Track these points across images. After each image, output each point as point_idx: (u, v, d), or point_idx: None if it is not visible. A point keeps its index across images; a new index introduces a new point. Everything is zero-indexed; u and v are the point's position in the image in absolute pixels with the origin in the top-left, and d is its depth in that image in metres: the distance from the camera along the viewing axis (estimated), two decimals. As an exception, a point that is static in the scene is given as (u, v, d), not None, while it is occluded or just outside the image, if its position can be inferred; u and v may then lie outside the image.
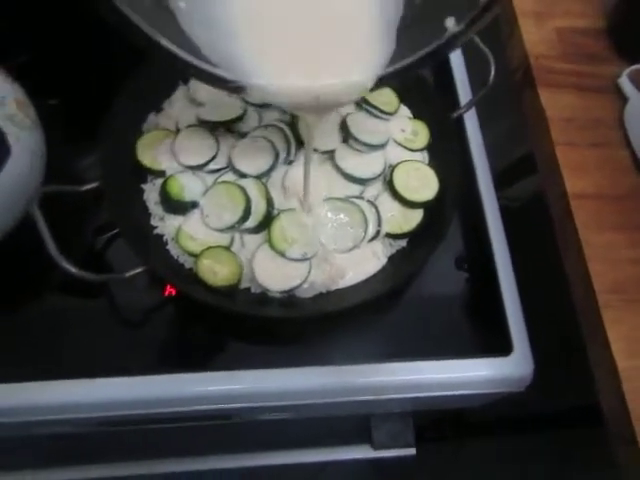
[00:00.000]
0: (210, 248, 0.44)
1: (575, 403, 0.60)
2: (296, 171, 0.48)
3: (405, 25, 0.32)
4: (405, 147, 0.51)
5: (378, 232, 0.47)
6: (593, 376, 0.42)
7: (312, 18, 0.31)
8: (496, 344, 0.48)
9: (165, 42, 0.30)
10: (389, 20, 0.32)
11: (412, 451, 0.61)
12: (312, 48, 0.32)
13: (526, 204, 0.63)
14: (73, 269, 0.39)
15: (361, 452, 0.60)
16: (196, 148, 0.48)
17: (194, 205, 0.46)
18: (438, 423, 0.69)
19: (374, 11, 0.31)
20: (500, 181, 0.56)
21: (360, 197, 0.49)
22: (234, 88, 0.32)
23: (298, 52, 0.31)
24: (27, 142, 0.43)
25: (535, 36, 0.51)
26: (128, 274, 0.42)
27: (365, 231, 0.47)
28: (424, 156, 0.53)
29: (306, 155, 0.42)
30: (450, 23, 0.31)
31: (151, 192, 0.48)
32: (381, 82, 0.33)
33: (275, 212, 0.47)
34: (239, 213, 0.45)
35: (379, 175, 0.49)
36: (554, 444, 0.65)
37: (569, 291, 0.46)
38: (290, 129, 0.50)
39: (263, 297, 0.45)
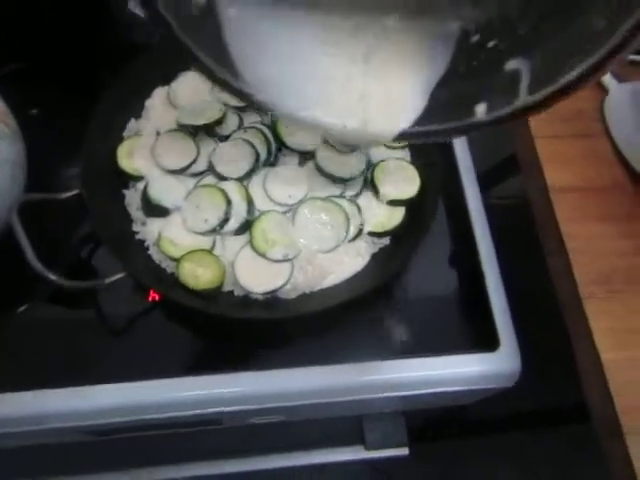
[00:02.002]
0: (192, 252, 0.44)
1: (566, 399, 0.59)
2: (276, 173, 0.48)
3: (441, 92, 0.31)
4: (386, 145, 0.51)
5: (360, 231, 0.47)
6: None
7: (363, 63, 0.31)
8: (483, 340, 0.47)
9: (204, 58, 0.30)
10: (428, 80, 0.31)
11: (405, 451, 0.60)
12: (351, 90, 0.31)
13: (512, 202, 0.63)
14: (52, 277, 0.39)
15: (354, 453, 0.60)
16: (176, 152, 0.48)
17: (175, 209, 0.46)
18: (432, 423, 0.69)
19: (419, 67, 0.31)
20: (486, 180, 0.55)
21: (341, 196, 0.49)
22: (258, 106, 0.32)
23: (337, 90, 0.31)
24: (7, 152, 0.43)
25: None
26: (108, 280, 0.42)
27: (347, 230, 0.47)
28: (405, 154, 0.52)
29: None
30: (480, 109, 0.29)
31: (132, 197, 0.48)
32: (400, 137, 0.32)
33: (256, 214, 0.47)
34: (220, 216, 0.45)
35: (360, 174, 0.49)
36: (549, 441, 0.65)
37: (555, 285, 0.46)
38: (270, 131, 0.50)
39: (246, 299, 0.45)
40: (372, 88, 0.31)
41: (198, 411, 0.46)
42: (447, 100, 0.31)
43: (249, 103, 0.32)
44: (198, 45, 0.29)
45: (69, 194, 0.45)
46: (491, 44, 0.29)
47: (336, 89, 0.31)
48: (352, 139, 0.34)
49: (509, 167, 0.61)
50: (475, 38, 0.29)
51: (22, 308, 0.48)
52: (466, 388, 0.48)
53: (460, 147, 0.56)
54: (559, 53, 0.27)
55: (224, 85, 0.31)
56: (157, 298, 0.47)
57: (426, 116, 0.31)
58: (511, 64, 0.28)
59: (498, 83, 0.29)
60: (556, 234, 0.43)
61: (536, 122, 0.47)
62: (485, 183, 0.55)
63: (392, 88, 0.31)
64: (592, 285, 0.41)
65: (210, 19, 0.29)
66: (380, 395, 0.48)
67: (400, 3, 0.29)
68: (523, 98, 0.28)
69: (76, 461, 0.59)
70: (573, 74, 0.26)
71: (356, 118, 0.31)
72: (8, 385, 0.43)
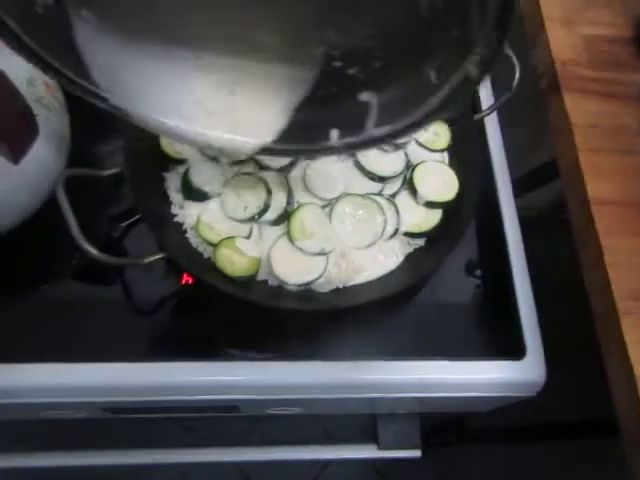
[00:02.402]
0: (229, 238, 0.45)
1: (587, 412, 0.59)
2: (317, 166, 0.48)
3: (301, 113, 0.32)
4: (426, 147, 0.51)
5: (396, 230, 0.47)
6: (608, 383, 0.42)
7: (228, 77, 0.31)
8: (509, 347, 0.47)
9: (50, 59, 0.28)
10: (289, 101, 0.32)
11: (417, 453, 0.61)
12: (213, 106, 0.31)
13: (542, 210, 0.63)
14: (94, 251, 0.39)
15: (367, 452, 0.60)
16: (218, 139, 0.48)
17: (214, 195, 0.47)
18: (444, 428, 0.69)
19: (282, 89, 0.32)
20: (519, 188, 0.56)
21: (380, 194, 0.49)
22: (113, 110, 0.31)
23: (198, 104, 0.31)
24: (54, 124, 0.43)
25: (562, 42, 0.51)
26: (147, 260, 0.42)
27: (383, 228, 0.47)
28: (444, 157, 0.53)
29: None
30: (334, 135, 0.32)
31: (172, 180, 0.48)
32: (261, 152, 0.33)
33: (295, 205, 0.47)
34: (259, 205, 0.45)
35: (400, 174, 0.49)
36: (562, 452, 0.65)
37: (585, 296, 0.46)
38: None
39: (279, 289, 0.45)
40: (235, 105, 0.32)
41: (216, 396, 0.46)
42: (306, 122, 0.32)
43: (103, 107, 0.30)
44: (43, 45, 0.27)
45: (111, 171, 0.45)
46: (351, 71, 0.30)
47: (197, 103, 0.31)
48: (213, 150, 0.34)
49: (542, 175, 0.62)
50: (337, 64, 0.30)
51: (52, 282, 0.49)
52: (487, 395, 0.48)
53: (496, 151, 0.56)
54: (402, 96, 0.30)
55: (73, 85, 0.29)
56: (190, 282, 0.47)
57: (287, 135, 0.32)
58: (364, 95, 0.30)
59: (350, 112, 0.31)
60: (595, 247, 0.43)
61: (579, 135, 0.47)
62: (519, 189, 0.55)
63: (255, 107, 0.32)
64: (628, 300, 0.41)
65: (58, 18, 0.27)
66: (399, 395, 0.48)
67: (267, 30, 0.29)
68: (369, 131, 0.31)
69: (88, 438, 0.60)
70: (405, 121, 0.30)
71: (218, 131, 0.32)
72: (34, 356, 0.43)
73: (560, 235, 0.52)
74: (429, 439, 0.70)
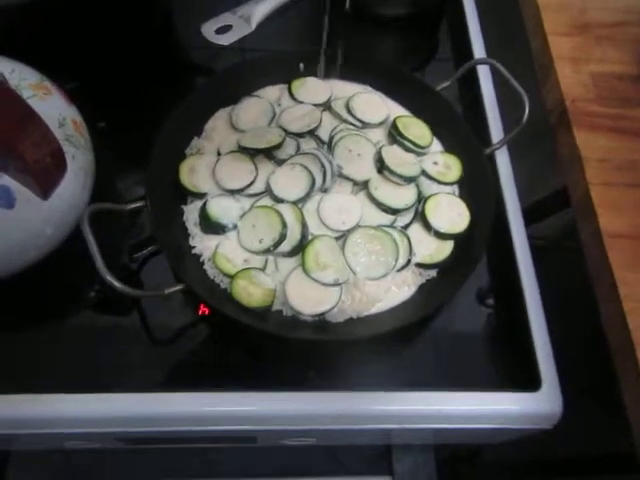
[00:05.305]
0: (245, 270, 0.46)
1: (605, 447, 0.58)
2: (331, 199, 0.50)
3: None
4: (437, 180, 0.52)
5: (409, 261, 0.48)
6: (627, 418, 0.41)
7: None
8: (524, 379, 0.47)
9: None
10: None
11: (433, 486, 0.60)
12: None
13: (555, 239, 0.63)
14: (118, 284, 0.40)
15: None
16: (236, 173, 0.50)
17: (232, 227, 0.48)
18: (457, 461, 0.68)
19: None
20: (529, 217, 0.56)
21: (392, 226, 0.50)
22: None
23: None
24: (81, 161, 0.45)
25: (571, 80, 0.52)
26: (167, 291, 0.43)
27: (396, 260, 0.47)
28: (454, 189, 0.54)
29: None
30: None
31: (191, 213, 0.50)
32: None
33: (309, 237, 0.48)
34: (275, 237, 0.46)
35: (412, 206, 0.50)
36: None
37: (600, 327, 0.46)
38: (326, 158, 0.52)
39: (294, 320, 0.46)
40: None
41: (232, 427, 0.46)
42: None
43: None
44: None
45: (134, 206, 0.46)
46: None
47: None
48: None
49: (553, 203, 0.62)
50: None
51: (72, 313, 0.50)
52: (502, 427, 0.48)
53: (507, 184, 0.57)
54: None
55: None
56: (207, 313, 0.48)
57: None
58: None
59: None
60: (609, 280, 0.43)
61: (590, 169, 0.48)
62: (530, 218, 0.56)
63: None
64: (643, 333, 0.41)
65: None
66: (414, 426, 0.48)
67: None
68: None
69: (105, 469, 0.60)
70: None
71: None
72: (52, 387, 0.44)
73: (573, 263, 0.52)
74: (440, 472, 0.69)
